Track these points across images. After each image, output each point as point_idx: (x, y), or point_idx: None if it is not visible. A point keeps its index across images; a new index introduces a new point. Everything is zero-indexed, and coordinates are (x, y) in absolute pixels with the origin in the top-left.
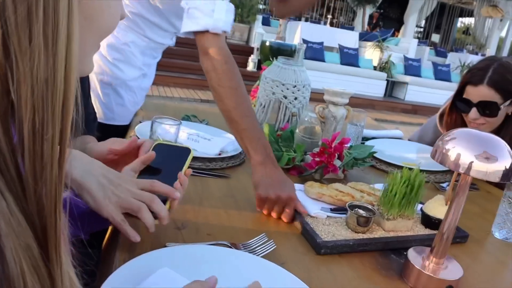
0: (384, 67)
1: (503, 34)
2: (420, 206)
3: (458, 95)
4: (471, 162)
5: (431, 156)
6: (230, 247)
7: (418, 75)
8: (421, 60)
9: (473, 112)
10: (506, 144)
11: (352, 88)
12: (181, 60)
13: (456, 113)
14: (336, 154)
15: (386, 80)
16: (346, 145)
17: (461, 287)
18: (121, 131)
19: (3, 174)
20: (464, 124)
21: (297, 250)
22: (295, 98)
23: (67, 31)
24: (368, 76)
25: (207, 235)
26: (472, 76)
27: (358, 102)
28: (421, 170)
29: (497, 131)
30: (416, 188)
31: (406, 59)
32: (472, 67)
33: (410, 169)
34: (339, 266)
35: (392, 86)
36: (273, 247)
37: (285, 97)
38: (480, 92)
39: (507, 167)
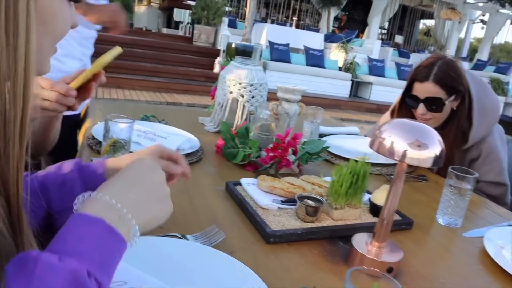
0: (349, 67)
1: (462, 35)
2: (368, 196)
3: (407, 91)
4: (405, 150)
5: (369, 146)
6: (181, 239)
7: (382, 75)
8: (385, 61)
9: (421, 108)
10: (436, 133)
11: (318, 88)
12: (147, 63)
13: (406, 109)
14: (291, 149)
15: (351, 80)
16: (299, 140)
17: (403, 269)
18: (74, 121)
19: None
20: (413, 119)
21: (246, 240)
22: (252, 97)
23: (25, 30)
24: (333, 76)
25: (160, 228)
26: (419, 73)
27: (324, 103)
28: (374, 164)
29: (443, 125)
30: (362, 178)
31: (370, 59)
32: (419, 65)
33: (356, 161)
34: (287, 254)
35: (357, 86)
36: (223, 238)
37: (242, 96)
38: (426, 89)
39: (437, 154)
